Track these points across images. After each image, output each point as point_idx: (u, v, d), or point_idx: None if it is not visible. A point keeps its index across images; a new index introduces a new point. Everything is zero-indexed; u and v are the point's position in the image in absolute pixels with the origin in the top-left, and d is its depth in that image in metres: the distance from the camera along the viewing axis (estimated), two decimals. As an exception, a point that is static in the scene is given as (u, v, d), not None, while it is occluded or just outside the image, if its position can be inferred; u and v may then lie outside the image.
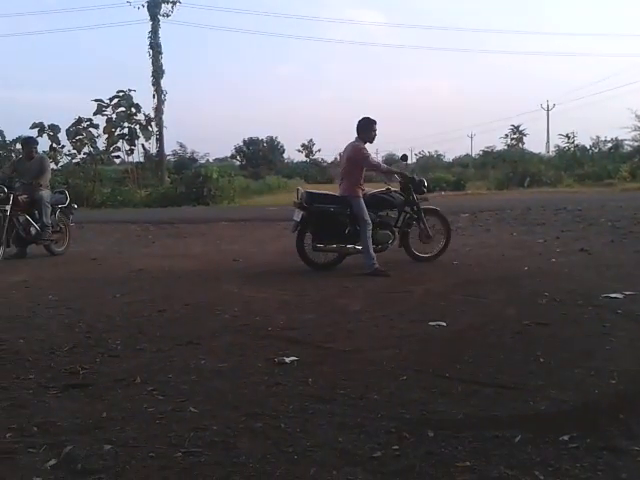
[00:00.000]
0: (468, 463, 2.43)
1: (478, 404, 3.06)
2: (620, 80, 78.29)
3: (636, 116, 38.02)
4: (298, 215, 7.36)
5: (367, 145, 7.32)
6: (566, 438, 2.61)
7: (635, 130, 38.68)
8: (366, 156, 7.22)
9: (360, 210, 7.12)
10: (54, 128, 27.72)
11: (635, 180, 29.02)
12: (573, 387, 3.26)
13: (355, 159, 7.22)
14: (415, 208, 7.63)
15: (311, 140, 77.08)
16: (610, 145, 46.85)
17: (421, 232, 7.68)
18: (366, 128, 7.25)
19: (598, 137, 49.88)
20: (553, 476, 2.32)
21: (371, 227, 7.10)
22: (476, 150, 74.61)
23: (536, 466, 2.39)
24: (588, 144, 50.25)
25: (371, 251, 7.06)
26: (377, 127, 7.30)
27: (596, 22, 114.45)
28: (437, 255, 7.77)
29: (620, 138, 45.46)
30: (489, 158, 52.56)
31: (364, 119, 7.27)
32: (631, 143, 41.20)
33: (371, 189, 7.60)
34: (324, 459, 2.50)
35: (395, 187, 7.74)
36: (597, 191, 24.82)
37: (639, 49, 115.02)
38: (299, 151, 77.89)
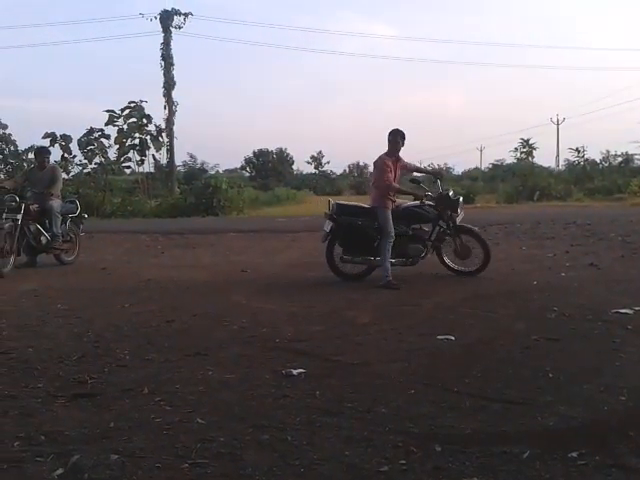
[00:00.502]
0: (476, 479, 2.41)
1: (486, 419, 3.05)
2: (631, 94, 78.25)
3: (646, 131, 37.91)
4: (328, 226, 7.41)
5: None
6: (575, 455, 2.59)
7: (646, 145, 38.53)
8: (382, 170, 7.17)
9: (384, 221, 7.09)
10: (66, 138, 27.96)
11: (645, 195, 28.86)
12: (582, 403, 3.24)
13: (376, 171, 7.32)
14: (450, 224, 7.44)
15: (320, 152, 77.21)
16: (620, 159, 46.59)
17: (456, 248, 7.51)
18: (390, 139, 7.26)
19: (608, 151, 49.59)
20: (562, 493, 2.31)
21: (392, 240, 7.04)
22: (485, 163, 74.49)
23: (544, 483, 2.38)
24: (598, 158, 50.01)
25: (388, 264, 7.01)
26: (400, 139, 7.26)
27: (607, 36, 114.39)
28: (477, 271, 7.46)
29: (630, 152, 45.25)
30: (499, 171, 52.57)
31: (391, 130, 7.29)
32: (641, 158, 41.05)
33: (406, 201, 7.57)
34: (331, 473, 2.49)
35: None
36: (607, 205, 24.70)
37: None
38: (308, 163, 78.03)
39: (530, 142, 65.21)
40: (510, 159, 62.59)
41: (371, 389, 3.52)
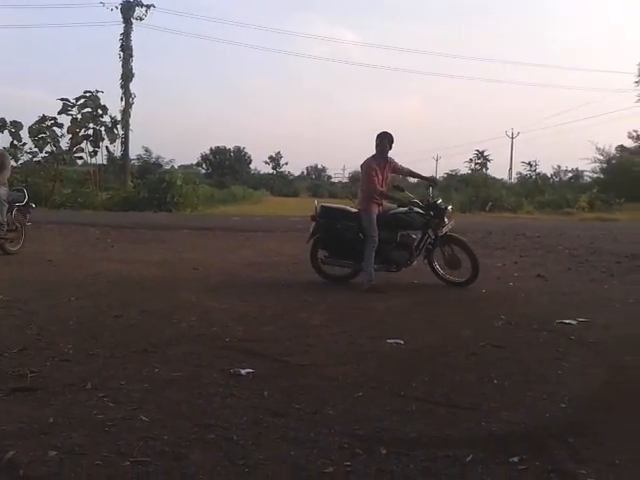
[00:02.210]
0: (419, 482, 2.43)
1: (432, 423, 3.08)
2: (583, 113, 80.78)
3: (596, 148, 39.19)
4: (312, 228, 7.36)
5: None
6: (516, 460, 2.64)
7: (594, 162, 39.85)
8: (368, 174, 7.12)
9: (368, 224, 7.02)
10: (16, 125, 27.15)
11: (593, 210, 29.81)
12: (525, 410, 3.31)
13: (363, 174, 7.31)
14: (438, 233, 7.23)
15: (279, 153, 77.30)
16: (570, 175, 48.17)
17: (445, 257, 7.35)
18: (377, 142, 7.20)
19: (559, 167, 51.37)
20: (502, 497, 2.34)
21: (375, 244, 6.95)
22: (440, 173, 75.66)
23: (486, 487, 2.41)
24: (549, 173, 51.59)
25: (371, 268, 6.95)
26: (388, 142, 7.18)
27: (564, 55, 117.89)
28: (466, 283, 7.22)
29: (580, 169, 46.80)
30: (453, 181, 53.38)
31: (378, 134, 7.22)
32: (590, 174, 42.44)
33: (395, 207, 7.38)
34: (275, 473, 2.48)
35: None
36: (556, 219, 25.40)
37: (603, 83, 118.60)
38: (266, 163, 78.08)
39: (485, 154, 66.80)
40: (464, 170, 63.95)
41: (319, 391, 3.52)
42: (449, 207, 7.50)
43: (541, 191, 38.88)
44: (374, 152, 7.24)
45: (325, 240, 7.33)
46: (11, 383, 3.43)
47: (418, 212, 7.26)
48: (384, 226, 7.09)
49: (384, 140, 7.18)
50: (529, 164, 52.84)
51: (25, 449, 2.57)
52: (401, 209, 7.32)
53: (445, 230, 7.26)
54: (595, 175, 40.50)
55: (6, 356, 3.94)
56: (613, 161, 38.80)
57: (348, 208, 7.58)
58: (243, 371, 3.78)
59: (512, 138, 60.53)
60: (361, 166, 7.42)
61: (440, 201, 7.47)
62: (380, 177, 7.15)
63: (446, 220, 7.29)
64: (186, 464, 2.52)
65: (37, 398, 3.23)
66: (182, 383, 3.56)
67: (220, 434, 2.83)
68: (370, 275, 6.94)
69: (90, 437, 2.74)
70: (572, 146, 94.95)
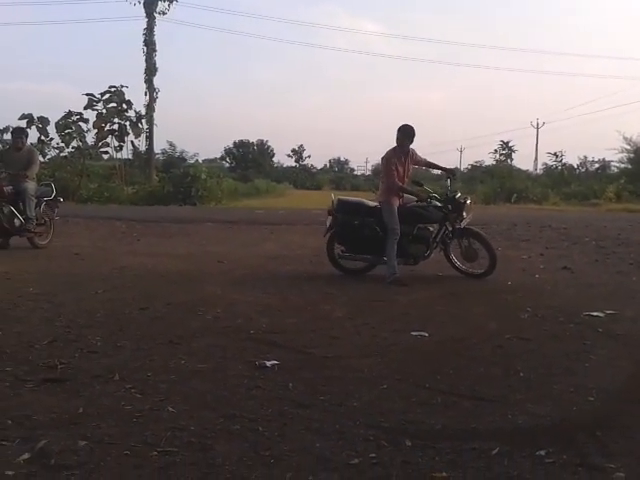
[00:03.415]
0: (445, 474, 2.43)
1: (457, 415, 3.07)
2: (610, 102, 79.42)
3: (624, 138, 38.44)
4: (328, 221, 7.36)
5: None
6: (543, 453, 2.62)
7: (622, 152, 39.10)
8: (386, 167, 7.08)
9: (389, 217, 6.97)
10: (43, 120, 27.57)
11: (620, 201, 29.30)
12: (551, 402, 3.28)
13: (382, 167, 7.28)
14: (456, 226, 7.21)
15: (301, 146, 77.37)
16: (597, 166, 47.41)
17: (462, 250, 7.31)
18: (398, 136, 7.13)
19: (586, 157, 50.54)
20: (528, 490, 2.33)
21: (397, 237, 6.91)
22: (465, 164, 74.99)
23: (512, 480, 2.40)
24: (576, 163, 50.84)
25: (394, 261, 6.91)
26: (408, 136, 7.11)
27: (589, 43, 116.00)
28: (483, 275, 7.19)
29: (607, 159, 46.00)
30: (477, 172, 52.91)
31: (400, 127, 7.15)
32: (618, 165, 41.64)
33: (414, 200, 7.29)
34: (301, 464, 2.49)
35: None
36: (582, 210, 25.06)
37: (629, 72, 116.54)
38: (289, 156, 78.16)
39: (509, 145, 65.99)
40: (489, 161, 63.28)
41: (344, 383, 3.52)
42: (468, 200, 7.45)
43: (567, 182, 38.41)
44: (394, 145, 7.18)
45: (342, 235, 7.31)
46: (41, 374, 3.49)
47: (436, 205, 7.22)
48: (402, 219, 7.03)
49: (405, 133, 7.13)
50: (555, 155, 52.11)
51: (56, 438, 2.62)
52: (419, 203, 7.26)
53: (464, 224, 7.23)
54: (622, 165, 39.70)
55: (36, 348, 4.01)
56: (641, 151, 38.07)
57: (365, 202, 7.52)
58: (268, 363, 3.79)
59: (537, 128, 59.73)
60: (382, 159, 7.37)
61: (459, 195, 7.40)
62: (401, 170, 7.09)
63: (464, 214, 7.26)
64: (212, 455, 2.54)
65: (67, 389, 3.29)
66: (208, 375, 3.60)
67: (245, 425, 2.86)
68: (394, 268, 6.89)
69: (118, 427, 2.78)
70: (599, 136, 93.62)
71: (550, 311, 5.52)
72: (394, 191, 7.08)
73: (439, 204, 7.22)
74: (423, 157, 7.62)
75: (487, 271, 7.17)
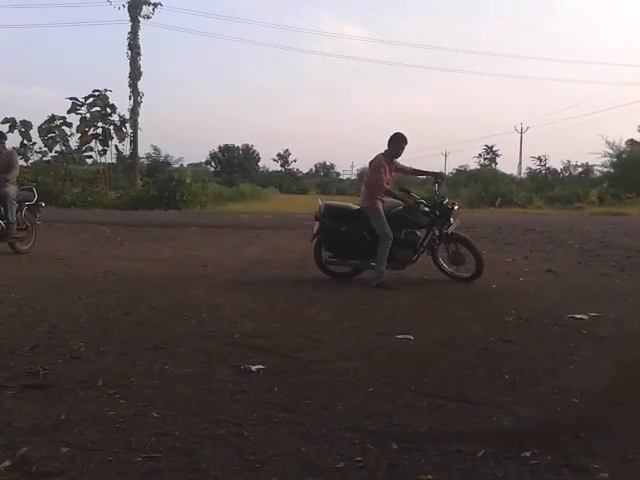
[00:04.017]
0: (430, 476, 2.43)
1: (442, 418, 3.07)
2: (593, 107, 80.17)
3: (607, 142, 38.84)
4: (315, 227, 7.33)
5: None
6: (528, 454, 2.63)
7: (605, 156, 39.50)
8: (376, 170, 7.03)
9: (378, 222, 6.94)
10: (26, 124, 27.31)
11: (603, 205, 29.61)
12: (536, 404, 3.29)
13: (371, 170, 7.22)
14: (442, 231, 7.21)
15: (287, 150, 77.32)
16: (580, 170, 47.87)
17: (449, 255, 7.34)
18: (395, 142, 7.14)
19: (569, 161, 51.02)
20: (514, 492, 2.34)
21: (391, 241, 6.88)
22: (449, 168, 75.32)
23: (498, 481, 2.40)
24: (559, 168, 51.32)
25: (383, 266, 6.89)
26: (404, 145, 7.18)
27: (572, 49, 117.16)
28: (471, 278, 7.20)
29: (590, 163, 46.46)
30: (462, 177, 53.20)
31: (397, 134, 7.16)
32: (601, 169, 42.05)
33: (400, 205, 7.22)
34: (286, 468, 2.47)
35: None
36: (566, 214, 25.27)
37: (612, 77, 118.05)
38: (275, 160, 78.10)
39: (494, 149, 66.53)
40: (474, 165, 63.74)
41: (329, 386, 3.52)
42: (455, 206, 7.42)
43: (551, 186, 38.69)
44: (384, 149, 7.16)
45: (329, 240, 7.29)
46: (23, 380, 3.45)
47: (424, 211, 7.21)
48: (389, 224, 7.00)
49: (402, 143, 7.15)
50: (539, 159, 52.67)
51: (37, 445, 2.59)
52: (407, 208, 7.21)
53: (451, 229, 7.23)
54: (605, 169, 40.11)
55: (18, 354, 3.96)
56: (623, 155, 38.41)
57: (352, 206, 7.50)
58: (253, 367, 3.78)
59: (521, 133, 60.20)
60: (370, 162, 7.34)
61: (447, 200, 7.41)
62: (387, 176, 7.07)
63: (452, 219, 7.24)
64: (197, 460, 2.52)
65: (49, 395, 3.24)
66: (192, 379, 3.57)
67: (231, 430, 2.84)
68: (381, 272, 6.89)
69: (102, 433, 2.75)
70: (582, 141, 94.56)
71: (534, 314, 5.55)
72: (378, 195, 7.06)
73: (427, 209, 7.22)
74: (408, 165, 7.67)
75: (474, 275, 7.20)
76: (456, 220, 7.34)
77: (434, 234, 7.31)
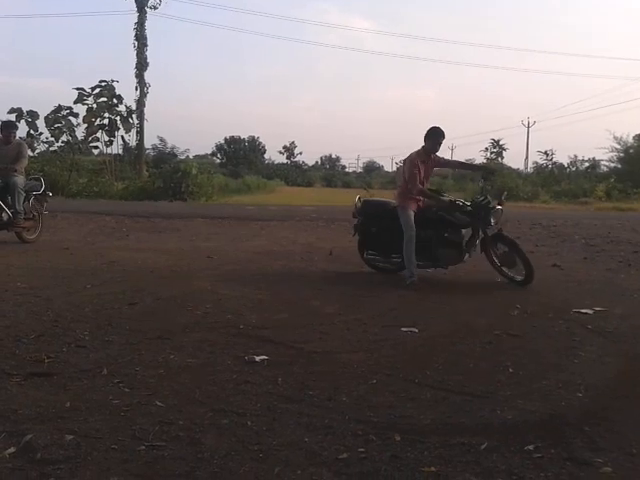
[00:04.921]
0: (433, 468, 2.43)
1: (446, 411, 3.07)
2: (601, 101, 79.62)
3: (614, 137, 38.66)
4: (355, 222, 7.26)
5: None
6: (531, 448, 2.63)
7: (612, 151, 39.33)
8: (409, 171, 6.72)
9: (404, 222, 6.64)
10: (33, 114, 27.48)
11: (610, 200, 29.50)
12: (540, 398, 3.29)
13: (405, 170, 6.92)
14: (482, 234, 6.74)
15: (293, 142, 77.20)
16: (587, 165, 47.61)
17: (497, 256, 6.79)
18: (431, 137, 6.76)
19: (576, 156, 50.69)
20: (517, 485, 2.34)
21: (413, 240, 6.58)
22: (456, 162, 74.79)
23: (501, 474, 2.41)
24: (566, 162, 51.06)
25: (412, 266, 6.62)
26: (439, 139, 6.78)
27: (581, 43, 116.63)
28: (523, 282, 6.56)
29: (597, 158, 46.24)
30: (468, 170, 52.93)
31: (432, 128, 6.79)
32: (607, 164, 41.91)
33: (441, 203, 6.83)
34: (289, 458, 2.48)
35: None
36: (572, 209, 25.18)
37: (621, 72, 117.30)
38: (280, 153, 78.01)
39: (500, 143, 66.24)
40: (480, 159, 63.41)
41: (333, 378, 3.52)
42: (498, 208, 6.80)
43: (557, 181, 38.56)
44: (421, 146, 6.82)
45: (367, 238, 7.15)
46: (28, 368, 3.47)
47: (463, 210, 6.75)
48: (430, 223, 6.75)
49: (439, 138, 6.79)
50: (545, 153, 52.42)
51: (42, 432, 2.60)
52: (446, 207, 6.79)
53: (491, 232, 6.75)
54: (612, 164, 40.03)
55: (24, 342, 3.98)
56: (631, 150, 38.28)
57: (391, 202, 7.19)
58: (257, 358, 3.79)
59: (528, 127, 59.97)
60: (404, 161, 7.08)
61: (485, 200, 6.77)
62: (422, 174, 6.75)
63: (492, 220, 6.71)
64: (200, 449, 2.53)
65: (54, 383, 3.26)
66: (197, 369, 3.58)
67: (234, 420, 2.85)
68: (411, 273, 6.63)
69: (106, 422, 2.76)
70: (589, 135, 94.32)
71: (539, 308, 5.54)
72: (410, 195, 6.77)
73: (469, 209, 6.76)
74: (452, 159, 7.19)
75: (525, 280, 6.59)
76: (497, 221, 6.83)
77: (477, 234, 6.85)
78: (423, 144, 6.84)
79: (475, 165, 7.30)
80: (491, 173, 7.15)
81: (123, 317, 4.77)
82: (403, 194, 6.88)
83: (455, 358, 4.01)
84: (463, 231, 6.87)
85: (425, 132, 6.80)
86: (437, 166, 7.20)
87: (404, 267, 6.90)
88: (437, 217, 6.83)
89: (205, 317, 4.89)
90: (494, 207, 6.77)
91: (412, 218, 6.68)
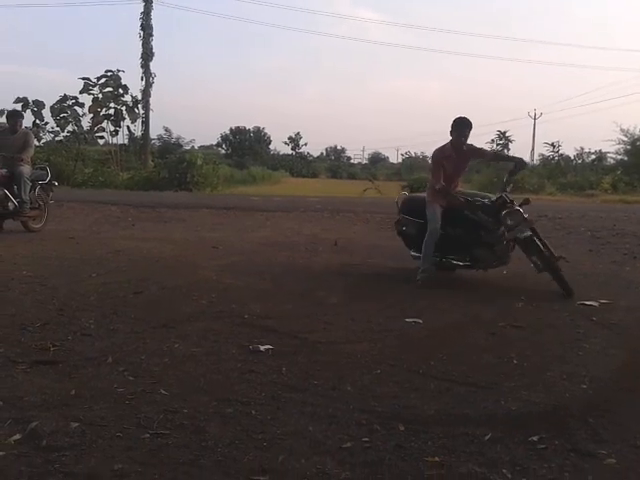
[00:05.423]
0: (437, 458, 2.44)
1: (450, 401, 3.08)
2: (607, 94, 79.13)
3: (621, 130, 38.37)
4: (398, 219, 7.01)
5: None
6: (535, 439, 2.63)
7: (618, 144, 39.04)
8: (433, 167, 6.54)
9: (430, 216, 6.33)
10: (38, 104, 27.45)
11: (616, 192, 29.35)
12: (544, 389, 3.28)
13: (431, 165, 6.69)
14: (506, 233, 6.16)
15: (298, 133, 76.84)
16: (594, 157, 47.30)
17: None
18: (456, 128, 6.31)
19: (582, 148, 50.33)
20: (521, 475, 2.34)
21: (435, 236, 6.25)
22: (461, 153, 74.59)
23: (504, 465, 2.41)
24: (572, 154, 50.72)
25: (428, 262, 6.31)
26: (464, 130, 6.27)
27: (589, 34, 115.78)
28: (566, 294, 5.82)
29: (604, 151, 45.94)
30: (474, 162, 52.77)
31: (458, 119, 6.32)
32: (614, 156, 41.60)
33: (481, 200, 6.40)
34: (293, 447, 2.49)
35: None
36: (578, 201, 25.09)
37: (628, 64, 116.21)
38: (286, 143, 77.63)
39: (506, 134, 65.86)
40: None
41: (337, 368, 3.52)
42: (518, 207, 6.21)
43: (563, 173, 38.36)
44: (450, 139, 6.43)
45: (409, 237, 6.84)
46: (34, 356, 3.48)
47: (485, 209, 6.30)
48: (464, 222, 6.34)
49: (464, 129, 6.30)
50: (552, 145, 51.99)
51: (48, 420, 2.62)
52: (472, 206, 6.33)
53: (511, 236, 6.15)
54: (619, 157, 39.68)
55: (29, 330, 4.00)
56: (638, 143, 37.91)
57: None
58: (262, 347, 3.79)
59: (534, 119, 59.64)
60: (432, 156, 6.79)
61: (497, 197, 6.31)
62: (450, 168, 6.40)
63: (509, 222, 6.10)
64: (204, 437, 2.54)
65: (59, 371, 3.28)
66: (201, 358, 3.59)
67: (239, 409, 2.86)
68: (425, 269, 6.31)
69: (111, 410, 2.78)
70: (596, 127, 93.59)
71: (544, 300, 5.53)
72: (435, 187, 6.40)
73: (490, 209, 6.30)
74: (487, 150, 6.90)
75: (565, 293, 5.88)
76: (520, 223, 6.15)
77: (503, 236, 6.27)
78: (450, 137, 6.41)
79: (509, 156, 6.94)
80: (521, 165, 6.60)
81: (128, 306, 4.79)
82: (431, 189, 6.56)
83: (459, 349, 4.01)
84: (499, 231, 6.28)
85: (451, 123, 6.36)
86: (473, 157, 6.83)
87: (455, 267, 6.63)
88: (464, 218, 6.35)
89: (210, 306, 4.90)
90: (510, 208, 6.17)
91: (438, 213, 6.34)
